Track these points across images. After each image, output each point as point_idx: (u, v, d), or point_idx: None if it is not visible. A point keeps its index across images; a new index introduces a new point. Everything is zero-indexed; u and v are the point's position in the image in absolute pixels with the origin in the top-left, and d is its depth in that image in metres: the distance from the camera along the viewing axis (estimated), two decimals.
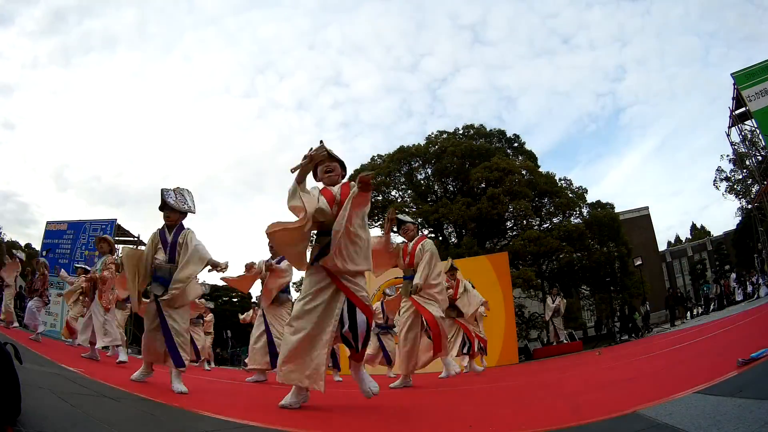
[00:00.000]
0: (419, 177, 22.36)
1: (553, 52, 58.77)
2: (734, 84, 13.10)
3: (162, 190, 3.33)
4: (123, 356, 5.30)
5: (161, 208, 3.40)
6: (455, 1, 65.38)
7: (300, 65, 75.59)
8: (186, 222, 4.33)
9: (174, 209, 3.32)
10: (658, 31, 64.85)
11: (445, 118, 60.79)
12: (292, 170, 2.50)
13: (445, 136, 22.31)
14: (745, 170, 17.73)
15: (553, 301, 11.93)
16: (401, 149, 22.00)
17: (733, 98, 13.67)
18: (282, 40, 78.66)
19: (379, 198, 21.63)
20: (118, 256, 5.84)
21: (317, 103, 70.58)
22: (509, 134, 22.69)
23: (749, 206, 18.22)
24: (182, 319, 3.27)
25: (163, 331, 3.17)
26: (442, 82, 57.76)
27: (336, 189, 2.69)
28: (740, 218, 23.00)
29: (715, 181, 22.76)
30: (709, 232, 34.53)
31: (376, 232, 21.69)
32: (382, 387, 3.69)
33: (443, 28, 61.63)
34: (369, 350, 5.97)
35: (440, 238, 20.47)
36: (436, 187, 22.14)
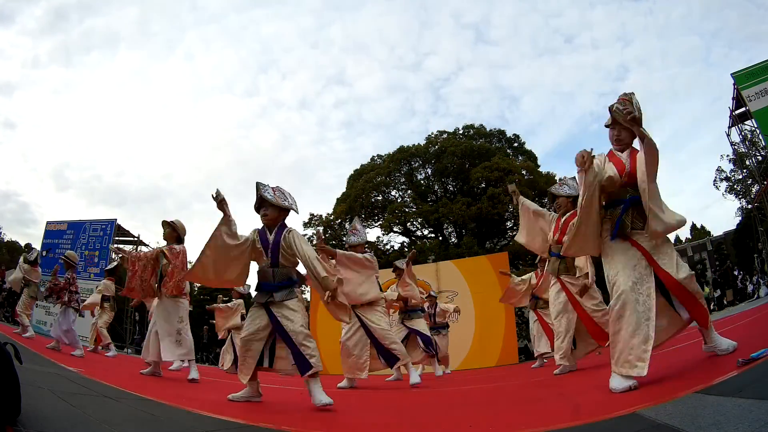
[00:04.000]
0: (419, 177, 22.38)
1: (555, 52, 58.65)
2: (734, 84, 13.11)
3: (257, 183, 3.02)
4: (194, 373, 4.52)
5: (257, 207, 3.06)
6: (458, 0, 65.37)
7: (302, 64, 75.32)
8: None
9: (272, 204, 2.99)
10: (660, 31, 64.79)
11: (448, 118, 60.69)
12: None
13: (445, 136, 22.33)
14: (745, 170, 17.73)
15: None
16: (401, 149, 22.03)
17: (734, 98, 13.68)
18: (284, 39, 78.43)
19: (379, 198, 21.65)
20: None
21: (319, 102, 70.38)
22: (510, 134, 22.78)
23: (749, 206, 18.22)
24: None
25: (282, 337, 2.82)
26: (445, 82, 57.64)
27: None
28: (740, 218, 23.00)
29: (715, 181, 22.81)
30: (709, 232, 34.50)
31: (376, 232, 21.75)
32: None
33: (446, 27, 61.52)
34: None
35: (440, 238, 20.48)
36: (436, 187, 22.16)
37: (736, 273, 15.55)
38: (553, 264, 4.17)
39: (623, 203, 2.47)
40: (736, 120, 14.37)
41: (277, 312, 2.82)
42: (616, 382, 2.21)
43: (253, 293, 3.05)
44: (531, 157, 21.87)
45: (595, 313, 3.94)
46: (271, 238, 2.97)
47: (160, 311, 4.52)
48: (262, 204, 3.02)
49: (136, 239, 19.76)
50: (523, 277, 6.21)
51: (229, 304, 7.69)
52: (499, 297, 11.56)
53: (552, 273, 4.16)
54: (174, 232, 4.68)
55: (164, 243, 4.86)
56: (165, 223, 4.74)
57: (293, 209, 3.07)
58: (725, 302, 15.02)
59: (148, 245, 21.06)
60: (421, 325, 6.02)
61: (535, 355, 6.46)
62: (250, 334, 2.86)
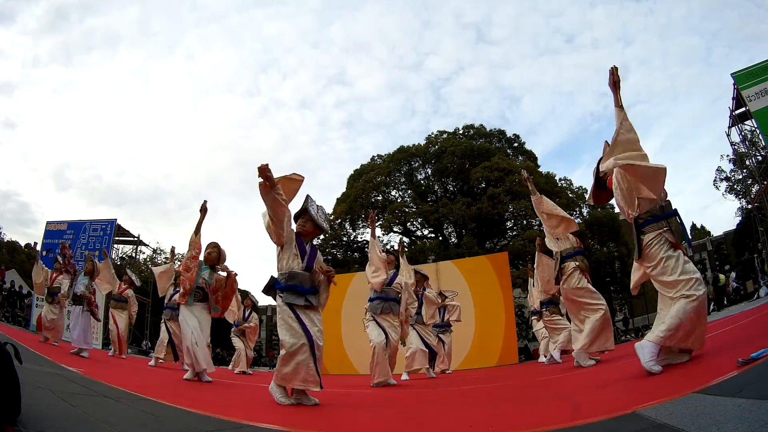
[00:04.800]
0: (419, 177, 22.37)
1: (556, 52, 58.83)
2: (734, 84, 13.10)
3: (308, 195, 3.10)
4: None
5: (298, 215, 3.14)
6: (459, 0, 65.40)
7: (303, 63, 75.52)
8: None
9: (312, 220, 3.09)
10: (660, 31, 64.92)
11: (449, 117, 60.96)
12: None
13: (445, 136, 22.32)
14: (745, 170, 17.72)
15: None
16: (401, 149, 22.02)
17: (734, 98, 13.68)
18: (285, 38, 78.64)
19: (379, 198, 21.65)
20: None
21: (320, 101, 70.57)
22: (510, 134, 22.76)
23: (749, 206, 18.21)
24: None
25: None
26: (446, 81, 57.86)
27: None
28: (740, 218, 23.00)
29: (715, 181, 22.77)
30: (709, 232, 34.52)
31: (376, 232, 21.72)
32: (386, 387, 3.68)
33: (447, 26, 61.74)
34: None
35: (440, 238, 20.47)
36: (436, 187, 22.14)
37: (756, 261, 15.34)
38: (582, 260, 4.55)
39: (674, 213, 2.79)
40: (736, 120, 14.36)
41: (307, 323, 2.86)
42: (651, 361, 2.42)
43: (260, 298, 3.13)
44: (531, 157, 21.87)
45: None
46: (307, 247, 3.09)
47: (193, 320, 4.50)
48: (302, 215, 3.14)
49: (136, 239, 19.77)
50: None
51: (251, 324, 8.22)
52: (499, 297, 11.66)
53: (585, 269, 4.53)
54: (218, 257, 4.76)
55: (159, 246, 4.93)
56: (214, 246, 4.79)
57: (325, 232, 3.28)
58: (728, 296, 14.86)
59: (147, 245, 21.11)
60: (432, 335, 6.41)
61: (557, 350, 6.57)
62: (300, 346, 2.80)
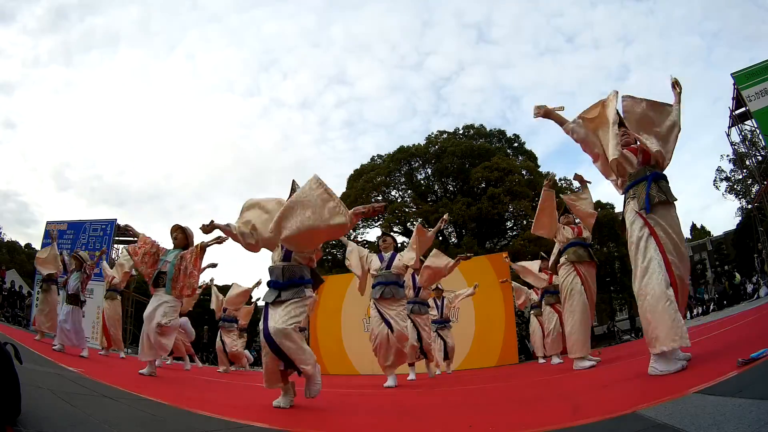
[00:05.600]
0: (419, 177, 22.37)
1: (557, 51, 58.69)
2: (734, 84, 13.10)
3: (293, 181, 2.97)
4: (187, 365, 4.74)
5: None
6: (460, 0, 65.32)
7: (304, 63, 75.22)
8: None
9: None
10: (661, 31, 64.85)
11: (450, 117, 60.87)
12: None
13: (445, 136, 22.32)
14: (745, 170, 17.72)
15: None
16: (401, 149, 22.02)
17: (733, 98, 13.68)
18: (286, 38, 78.38)
19: (379, 198, 21.65)
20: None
21: (321, 101, 70.37)
22: (510, 134, 22.73)
23: (749, 206, 18.21)
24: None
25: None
26: (447, 81, 57.72)
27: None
28: (740, 218, 23.00)
29: (715, 181, 22.77)
30: (709, 232, 34.47)
31: (376, 231, 21.76)
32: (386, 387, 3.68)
33: (448, 26, 61.61)
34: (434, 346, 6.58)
35: (440, 238, 20.47)
36: (436, 187, 22.14)
37: (756, 261, 15.28)
38: (576, 252, 4.47)
39: (644, 179, 2.62)
40: (736, 120, 14.36)
41: (271, 320, 2.61)
42: (663, 365, 2.27)
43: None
44: (531, 157, 21.85)
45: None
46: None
47: (150, 310, 4.42)
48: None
49: (136, 239, 19.76)
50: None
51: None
52: (499, 297, 11.66)
53: (576, 261, 4.43)
54: (185, 239, 4.73)
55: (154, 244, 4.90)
56: (178, 228, 4.75)
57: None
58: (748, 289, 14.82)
59: None
60: (427, 325, 6.06)
61: (549, 353, 6.56)
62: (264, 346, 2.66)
